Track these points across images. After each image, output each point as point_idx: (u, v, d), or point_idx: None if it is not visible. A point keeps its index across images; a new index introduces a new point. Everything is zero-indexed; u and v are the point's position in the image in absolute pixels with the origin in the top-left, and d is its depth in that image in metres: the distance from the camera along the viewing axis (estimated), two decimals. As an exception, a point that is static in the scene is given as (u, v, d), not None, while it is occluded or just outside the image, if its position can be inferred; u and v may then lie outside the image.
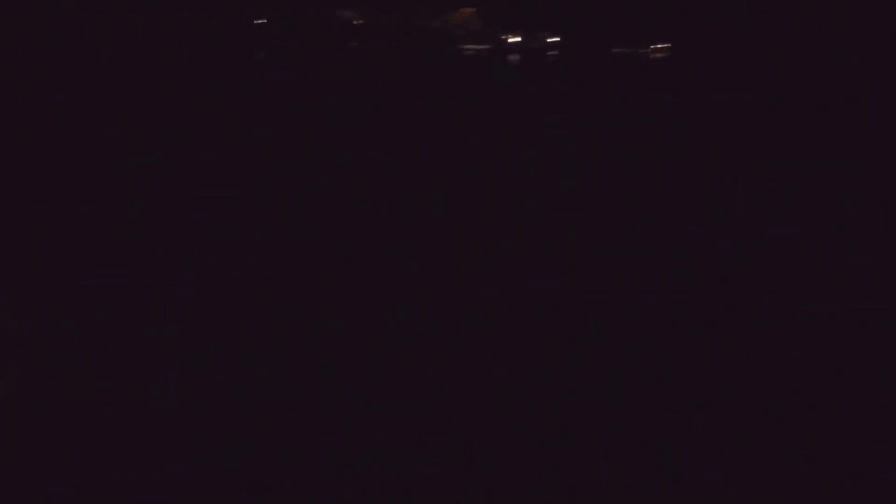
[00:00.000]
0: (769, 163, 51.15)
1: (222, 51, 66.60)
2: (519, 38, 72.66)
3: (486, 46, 72.20)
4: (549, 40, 71.79)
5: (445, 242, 49.60)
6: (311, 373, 37.45)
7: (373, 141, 58.97)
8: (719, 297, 41.86)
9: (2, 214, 47.76)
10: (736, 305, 38.19)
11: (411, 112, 63.11)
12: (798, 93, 63.07)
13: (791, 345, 35.61)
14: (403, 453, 31.99)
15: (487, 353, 38.28)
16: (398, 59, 69.78)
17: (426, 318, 40.96)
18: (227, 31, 67.49)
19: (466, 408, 35.26)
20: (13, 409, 34.43)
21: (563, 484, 31.36)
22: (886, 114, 58.69)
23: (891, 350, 34.36)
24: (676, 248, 47.65)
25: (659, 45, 69.73)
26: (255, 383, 35.18)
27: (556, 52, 71.60)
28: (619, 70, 68.58)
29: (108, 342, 39.03)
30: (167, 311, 40.55)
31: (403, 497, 28.13)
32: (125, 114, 55.46)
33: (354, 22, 72.57)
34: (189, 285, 42.90)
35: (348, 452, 31.92)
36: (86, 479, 28.93)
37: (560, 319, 40.43)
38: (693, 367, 34.93)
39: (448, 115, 64.69)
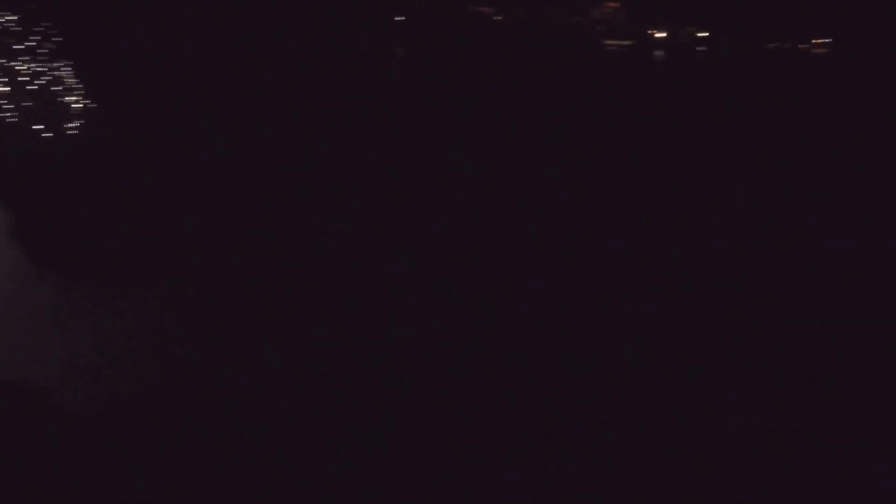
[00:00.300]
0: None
1: (362, 48, 66.37)
2: (665, 34, 69.38)
3: (629, 42, 69.29)
4: (698, 35, 68.23)
5: (592, 240, 48.70)
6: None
7: (512, 137, 57.69)
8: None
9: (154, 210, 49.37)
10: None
11: (551, 110, 61.34)
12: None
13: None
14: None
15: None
16: (538, 56, 67.91)
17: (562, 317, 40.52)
18: (367, 28, 67.28)
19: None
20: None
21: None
22: None
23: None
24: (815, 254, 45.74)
25: (819, 41, 64.94)
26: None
27: (705, 49, 68.02)
28: (775, 68, 64.47)
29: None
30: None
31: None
32: (272, 109, 55.81)
33: (494, 18, 71.06)
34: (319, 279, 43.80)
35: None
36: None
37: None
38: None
39: (590, 113, 62.63)
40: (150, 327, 39.58)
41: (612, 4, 71.22)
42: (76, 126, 49.37)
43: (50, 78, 49.05)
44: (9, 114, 46.85)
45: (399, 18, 67.39)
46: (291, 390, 34.75)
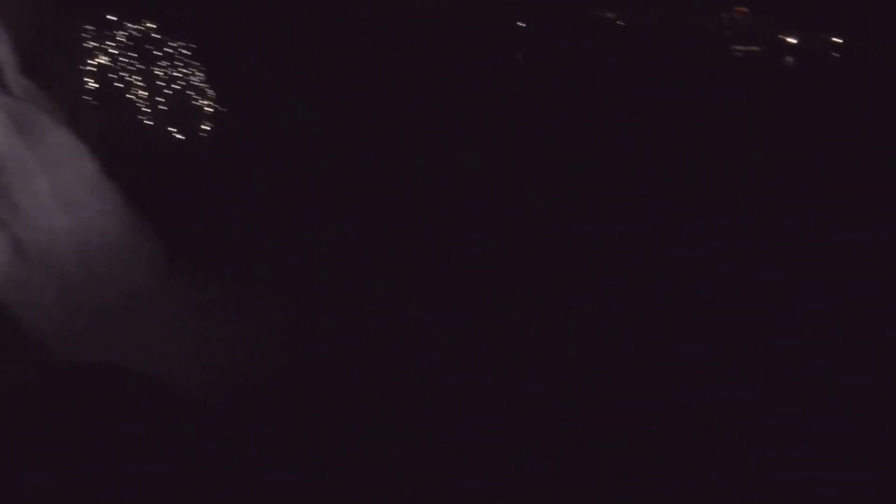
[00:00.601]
0: None
1: (483, 54, 66.63)
2: (796, 40, 67.14)
3: (759, 48, 67.37)
4: (832, 41, 65.69)
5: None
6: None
7: (639, 140, 56.85)
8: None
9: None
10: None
11: (678, 115, 60.16)
12: None
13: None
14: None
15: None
16: (663, 61, 66.71)
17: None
18: (487, 34, 67.52)
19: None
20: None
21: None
22: None
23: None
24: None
25: (965, 46, 61.62)
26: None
27: (838, 55, 65.42)
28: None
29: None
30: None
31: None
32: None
33: (617, 23, 70.32)
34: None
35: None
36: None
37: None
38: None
39: (716, 119, 61.13)
40: (275, 326, 40.91)
41: (741, 9, 69.47)
42: (208, 128, 51.29)
43: (184, 83, 51.17)
44: (147, 116, 49.04)
45: (520, 24, 67.55)
46: (420, 391, 35.47)
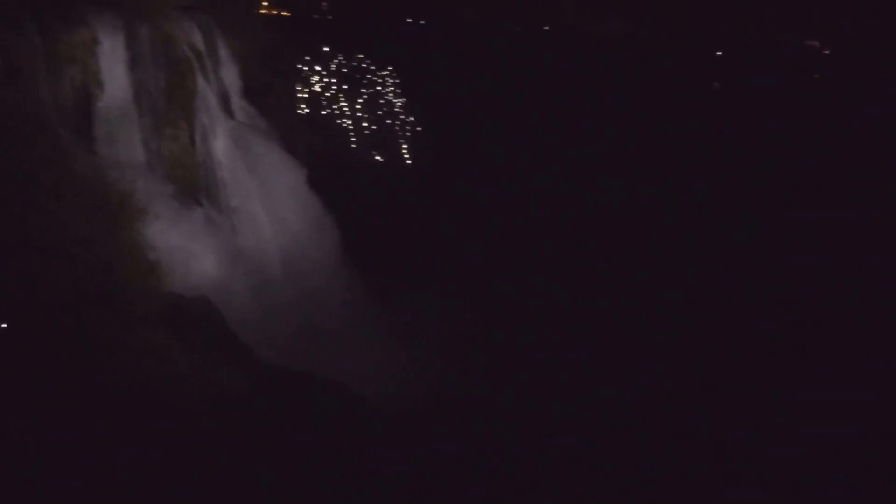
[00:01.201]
0: None
1: (681, 81, 65.95)
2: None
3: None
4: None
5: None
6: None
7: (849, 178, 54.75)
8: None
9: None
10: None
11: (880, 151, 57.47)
12: None
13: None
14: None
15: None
16: (872, 95, 63.59)
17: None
18: (687, 62, 66.85)
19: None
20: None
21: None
22: None
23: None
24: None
25: None
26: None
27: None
28: None
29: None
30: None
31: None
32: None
33: (823, 52, 67.75)
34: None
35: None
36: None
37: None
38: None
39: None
40: (473, 341, 42.88)
41: None
42: (407, 150, 53.94)
43: (387, 109, 54.15)
44: (353, 138, 52.25)
45: (718, 53, 66.44)
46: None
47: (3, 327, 23.46)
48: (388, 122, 53.60)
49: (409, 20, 63.85)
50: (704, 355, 40.36)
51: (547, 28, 69.72)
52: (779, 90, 62.65)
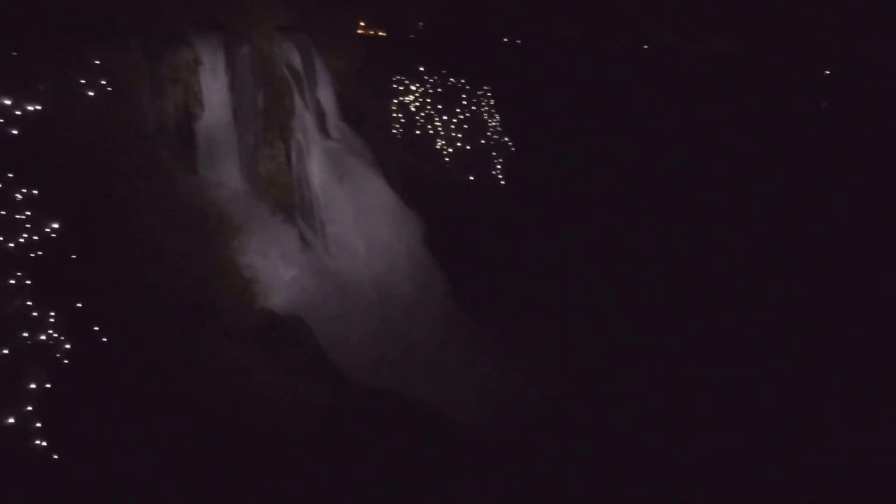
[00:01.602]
0: None
1: (785, 101, 63.99)
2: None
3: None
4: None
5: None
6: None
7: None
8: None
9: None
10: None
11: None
12: None
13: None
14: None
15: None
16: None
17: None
18: (793, 82, 64.83)
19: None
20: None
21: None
22: None
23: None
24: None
25: None
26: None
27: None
28: None
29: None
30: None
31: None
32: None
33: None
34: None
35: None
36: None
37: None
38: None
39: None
40: (560, 362, 42.44)
41: None
42: (500, 171, 53.70)
43: (481, 129, 54.10)
44: (447, 158, 52.26)
45: (826, 72, 64.14)
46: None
47: (97, 330, 23.78)
48: (483, 142, 53.43)
49: (506, 39, 63.60)
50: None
51: (646, 47, 68.53)
52: (888, 111, 60.13)
